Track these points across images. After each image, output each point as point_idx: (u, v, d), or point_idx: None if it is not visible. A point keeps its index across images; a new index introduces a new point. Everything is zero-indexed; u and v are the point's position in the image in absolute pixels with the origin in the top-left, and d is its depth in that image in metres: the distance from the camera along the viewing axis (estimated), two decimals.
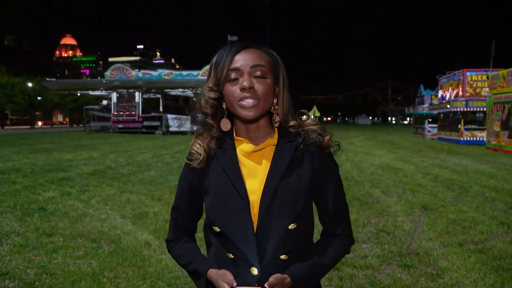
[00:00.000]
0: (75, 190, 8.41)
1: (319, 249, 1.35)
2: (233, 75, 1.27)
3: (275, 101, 1.33)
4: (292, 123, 1.35)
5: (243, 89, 1.26)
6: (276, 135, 1.35)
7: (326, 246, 1.36)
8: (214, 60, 1.33)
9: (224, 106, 1.33)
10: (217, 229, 1.31)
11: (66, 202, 7.34)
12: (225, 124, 1.34)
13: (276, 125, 1.35)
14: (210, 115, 1.34)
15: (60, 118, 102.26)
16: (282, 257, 1.27)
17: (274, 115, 1.34)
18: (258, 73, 1.27)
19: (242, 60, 1.28)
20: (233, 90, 1.27)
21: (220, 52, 1.32)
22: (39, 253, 4.70)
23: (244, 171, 1.31)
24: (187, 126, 40.70)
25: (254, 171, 1.32)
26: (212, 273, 1.27)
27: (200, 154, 1.34)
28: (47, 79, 55.85)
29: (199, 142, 1.36)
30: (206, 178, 1.35)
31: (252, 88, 1.26)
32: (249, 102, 1.26)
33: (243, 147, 1.34)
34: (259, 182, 1.29)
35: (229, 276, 1.21)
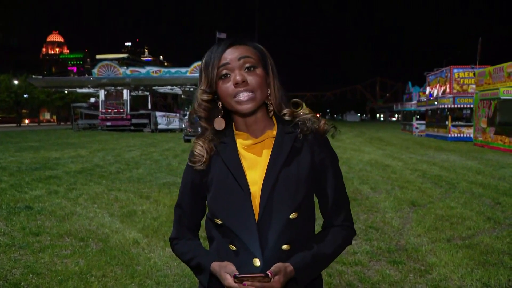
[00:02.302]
0: (62, 189, 8.32)
1: (321, 239, 1.36)
2: (223, 72, 1.30)
3: (268, 91, 1.35)
4: (285, 111, 1.37)
5: (236, 84, 1.28)
6: (275, 127, 1.37)
7: (328, 237, 1.37)
8: (203, 62, 1.35)
9: (219, 106, 1.35)
10: (219, 221, 1.32)
11: (53, 200, 7.26)
12: (219, 123, 1.35)
13: (271, 114, 1.38)
14: (204, 118, 1.36)
15: (47, 116, 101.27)
16: (284, 247, 1.28)
17: (269, 105, 1.36)
18: (247, 65, 1.30)
19: (229, 55, 1.30)
20: (227, 87, 1.29)
21: (208, 53, 1.34)
22: (25, 253, 4.64)
23: (245, 164, 1.33)
24: (175, 123, 40.57)
25: (255, 163, 1.34)
26: (215, 265, 1.27)
27: (203, 156, 1.36)
28: (33, 76, 55.19)
29: (200, 143, 1.37)
30: (208, 174, 1.37)
31: (245, 81, 1.28)
32: (244, 95, 1.28)
33: (243, 141, 1.36)
34: (259, 173, 1.31)
35: (231, 267, 1.22)
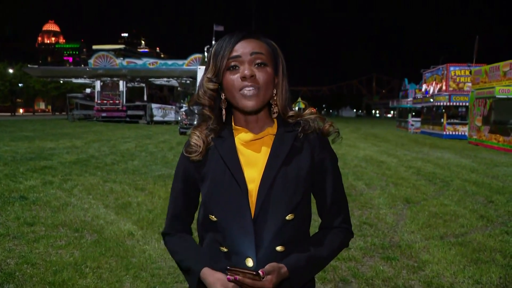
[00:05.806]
0: (57, 179, 8.30)
1: (316, 241, 1.33)
2: (233, 63, 1.26)
3: (274, 91, 1.32)
4: (291, 113, 1.34)
5: (243, 78, 1.24)
6: (275, 125, 1.34)
7: (324, 239, 1.34)
8: (213, 50, 1.31)
9: (223, 97, 1.31)
10: (213, 218, 1.28)
11: (48, 191, 7.25)
12: (224, 115, 1.33)
13: (275, 116, 1.34)
14: (208, 107, 1.32)
15: (42, 105, 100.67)
16: (278, 248, 1.25)
17: (273, 106, 1.33)
18: (258, 61, 1.26)
19: (241, 48, 1.27)
20: (234, 79, 1.26)
21: (219, 42, 1.30)
22: (20, 243, 4.64)
23: (242, 160, 1.29)
24: (171, 116, 40.48)
25: (253, 160, 1.30)
26: (207, 272, 1.23)
27: (200, 147, 1.32)
28: (29, 65, 54.83)
29: (197, 134, 1.33)
30: (204, 167, 1.33)
31: (253, 76, 1.25)
32: (250, 90, 1.25)
33: (241, 136, 1.32)
34: (257, 171, 1.28)
35: (222, 276, 1.19)
